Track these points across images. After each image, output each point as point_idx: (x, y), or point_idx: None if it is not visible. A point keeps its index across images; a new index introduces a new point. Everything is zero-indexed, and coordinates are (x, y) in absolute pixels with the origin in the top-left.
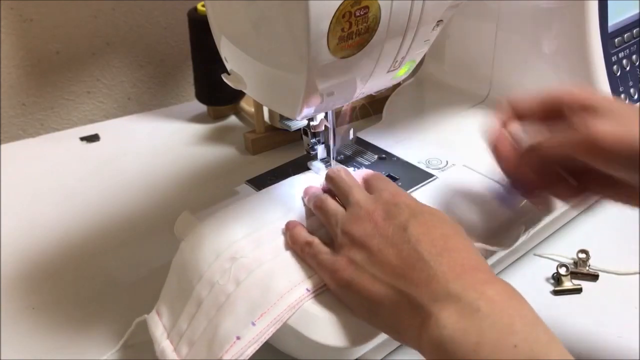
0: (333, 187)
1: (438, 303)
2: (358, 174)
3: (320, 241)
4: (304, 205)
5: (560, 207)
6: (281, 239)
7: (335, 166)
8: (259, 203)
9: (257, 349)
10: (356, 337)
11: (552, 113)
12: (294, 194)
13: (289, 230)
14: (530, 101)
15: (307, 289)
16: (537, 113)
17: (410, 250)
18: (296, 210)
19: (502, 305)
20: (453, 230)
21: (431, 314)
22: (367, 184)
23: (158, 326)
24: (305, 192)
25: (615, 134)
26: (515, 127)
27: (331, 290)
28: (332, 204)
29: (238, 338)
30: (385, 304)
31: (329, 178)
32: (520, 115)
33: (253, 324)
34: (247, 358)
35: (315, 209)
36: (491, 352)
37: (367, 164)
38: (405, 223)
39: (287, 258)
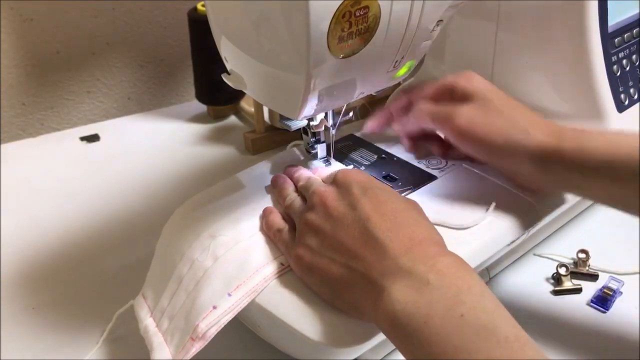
0: (301, 189)
1: (390, 278)
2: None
3: (290, 228)
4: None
5: (560, 207)
6: (257, 218)
7: (335, 165)
8: (237, 185)
9: (232, 317)
10: (355, 337)
11: (444, 95)
12: (270, 175)
13: (265, 216)
14: (430, 85)
15: (282, 264)
16: (434, 95)
17: (361, 228)
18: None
19: (450, 277)
20: (404, 204)
21: (384, 289)
22: (328, 179)
23: (143, 307)
24: (274, 183)
25: (469, 122)
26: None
27: (299, 278)
28: (297, 202)
29: (214, 307)
30: (343, 285)
31: (296, 183)
32: (422, 95)
33: (229, 294)
34: (222, 326)
35: (285, 208)
36: (440, 322)
37: (367, 164)
38: (354, 202)
39: (264, 236)
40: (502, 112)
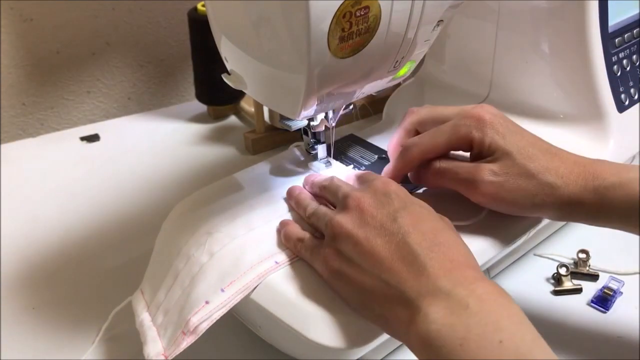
0: (322, 191)
1: (427, 298)
2: (350, 175)
3: (312, 236)
4: (286, 201)
5: None
6: (253, 215)
7: (336, 165)
8: (236, 183)
9: (224, 313)
10: (357, 338)
11: (461, 147)
12: (270, 174)
13: (283, 227)
14: (442, 133)
15: (276, 262)
16: (449, 147)
17: (400, 242)
18: (271, 189)
19: (490, 304)
20: (442, 223)
21: (420, 309)
22: (359, 180)
23: (140, 302)
24: (289, 195)
25: (494, 190)
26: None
27: (326, 281)
28: (323, 208)
29: (207, 302)
30: (374, 297)
31: (316, 186)
32: (436, 147)
33: (222, 290)
34: (214, 321)
35: (308, 218)
36: (477, 347)
37: (367, 164)
38: (394, 213)
39: (259, 233)
40: (524, 169)
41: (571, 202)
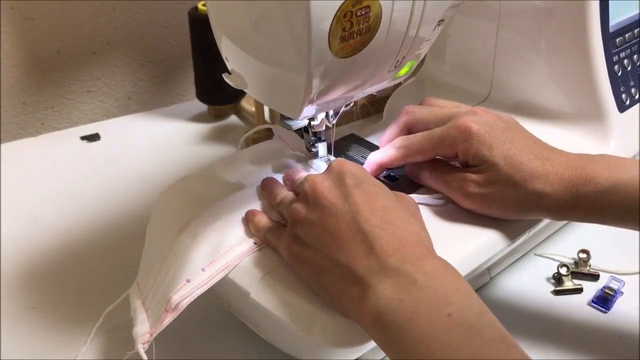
0: (288, 180)
1: (376, 276)
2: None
3: (279, 223)
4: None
5: None
6: (236, 199)
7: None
8: (219, 170)
9: (204, 290)
10: (356, 338)
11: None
12: (253, 160)
13: (250, 220)
14: (430, 139)
15: (255, 243)
16: (436, 153)
17: (350, 220)
18: (253, 174)
19: (438, 279)
20: (395, 203)
21: (369, 286)
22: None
23: (135, 291)
24: (263, 186)
25: (482, 201)
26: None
27: (289, 266)
28: (288, 197)
29: (188, 281)
30: (327, 276)
31: (289, 180)
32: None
33: (203, 269)
34: (194, 298)
35: (276, 207)
36: (426, 321)
37: None
38: (346, 193)
39: (240, 216)
40: (510, 179)
41: (562, 208)
